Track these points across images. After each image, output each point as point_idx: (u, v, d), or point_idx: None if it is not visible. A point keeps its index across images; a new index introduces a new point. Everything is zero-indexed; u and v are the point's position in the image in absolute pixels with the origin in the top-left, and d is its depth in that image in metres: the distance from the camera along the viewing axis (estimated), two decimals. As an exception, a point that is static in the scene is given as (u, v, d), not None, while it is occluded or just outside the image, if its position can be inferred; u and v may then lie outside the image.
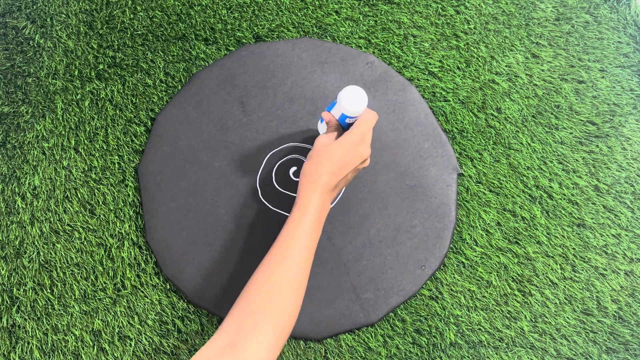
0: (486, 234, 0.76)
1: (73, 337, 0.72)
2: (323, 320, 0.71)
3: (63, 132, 0.81)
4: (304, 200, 0.62)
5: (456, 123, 0.81)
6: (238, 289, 0.73)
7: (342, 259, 0.74)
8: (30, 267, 0.75)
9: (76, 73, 0.84)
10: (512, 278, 0.74)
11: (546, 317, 0.72)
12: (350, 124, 0.66)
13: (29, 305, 0.73)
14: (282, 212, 0.76)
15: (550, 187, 0.77)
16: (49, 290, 0.74)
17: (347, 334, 0.72)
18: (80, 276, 0.74)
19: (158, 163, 0.78)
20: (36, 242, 0.76)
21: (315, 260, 0.74)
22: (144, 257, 0.75)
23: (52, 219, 0.77)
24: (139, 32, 0.86)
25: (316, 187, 0.62)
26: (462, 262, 0.74)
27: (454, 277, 0.74)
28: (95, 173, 0.79)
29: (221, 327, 0.54)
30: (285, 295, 0.57)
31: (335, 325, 0.71)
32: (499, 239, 0.75)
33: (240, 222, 0.76)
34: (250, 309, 0.55)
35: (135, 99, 0.83)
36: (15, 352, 0.71)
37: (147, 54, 0.85)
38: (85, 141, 0.81)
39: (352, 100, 0.63)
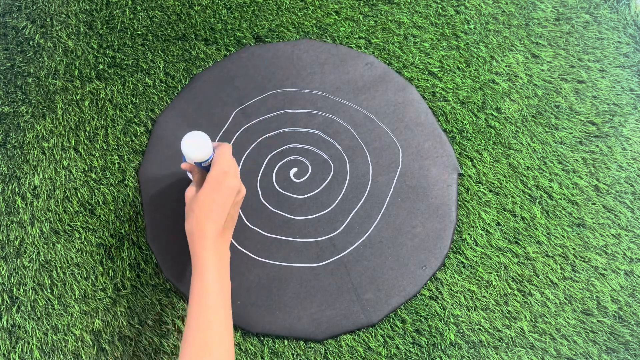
0: (486, 234, 0.76)
1: (73, 337, 0.72)
2: (324, 321, 0.71)
3: (63, 132, 0.81)
4: (198, 260, 0.59)
5: (456, 123, 0.81)
6: (239, 290, 0.73)
7: (342, 259, 0.74)
8: (30, 267, 0.75)
9: (76, 73, 0.84)
10: (512, 278, 0.74)
11: (546, 317, 0.72)
12: (209, 164, 0.64)
13: (29, 305, 0.73)
14: (283, 214, 0.76)
15: (550, 187, 0.77)
16: (49, 290, 0.74)
17: (347, 334, 0.72)
18: (80, 276, 0.74)
19: (158, 165, 0.78)
20: (36, 242, 0.76)
21: (316, 261, 0.74)
22: (144, 257, 0.75)
23: (52, 219, 0.77)
24: (139, 32, 0.86)
25: (205, 242, 0.59)
26: (462, 262, 0.74)
27: (454, 277, 0.74)
28: (95, 173, 0.79)
29: None
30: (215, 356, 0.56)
31: (336, 326, 0.71)
32: (499, 239, 0.75)
33: (241, 224, 0.76)
34: None
35: (135, 99, 0.83)
36: (15, 352, 0.71)
37: (147, 54, 0.85)
38: (85, 141, 0.81)
39: (192, 148, 0.61)
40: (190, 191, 0.63)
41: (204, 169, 0.65)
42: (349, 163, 0.78)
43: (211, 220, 0.60)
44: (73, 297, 0.74)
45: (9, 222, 0.77)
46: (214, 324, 0.57)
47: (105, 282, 0.74)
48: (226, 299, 0.60)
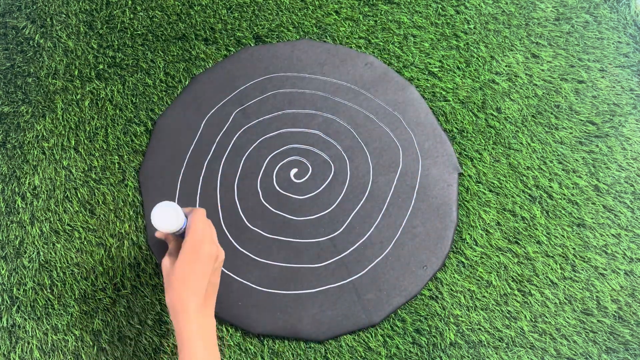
0: (486, 234, 0.76)
1: (73, 337, 0.72)
2: (325, 322, 0.71)
3: (63, 132, 0.81)
4: (185, 335, 0.56)
5: (456, 123, 0.81)
6: (240, 291, 0.73)
7: (343, 260, 0.74)
8: (30, 267, 0.75)
9: (76, 73, 0.84)
10: (512, 278, 0.74)
11: (546, 317, 0.72)
12: (184, 230, 0.61)
13: (29, 305, 0.73)
14: (284, 214, 0.76)
15: (550, 187, 0.77)
16: (49, 290, 0.74)
17: (347, 334, 0.72)
18: (80, 276, 0.74)
19: (159, 166, 0.78)
20: (36, 242, 0.76)
21: (317, 261, 0.74)
22: (144, 257, 0.75)
23: (52, 219, 0.77)
24: (139, 32, 0.86)
25: (188, 316, 0.56)
26: (462, 262, 0.74)
27: (454, 277, 0.74)
28: (95, 173, 0.79)
29: None
30: None
31: (337, 327, 0.71)
32: (498, 239, 0.75)
33: (241, 225, 0.76)
34: None
35: (135, 99, 0.83)
36: (15, 352, 0.71)
37: (147, 54, 0.85)
38: (85, 141, 0.81)
39: (162, 221, 0.59)
40: (166, 262, 0.60)
41: (179, 236, 0.63)
42: (349, 163, 0.78)
43: (192, 292, 0.57)
44: (73, 297, 0.73)
45: (9, 222, 0.77)
46: None
47: (105, 282, 0.74)
48: None
